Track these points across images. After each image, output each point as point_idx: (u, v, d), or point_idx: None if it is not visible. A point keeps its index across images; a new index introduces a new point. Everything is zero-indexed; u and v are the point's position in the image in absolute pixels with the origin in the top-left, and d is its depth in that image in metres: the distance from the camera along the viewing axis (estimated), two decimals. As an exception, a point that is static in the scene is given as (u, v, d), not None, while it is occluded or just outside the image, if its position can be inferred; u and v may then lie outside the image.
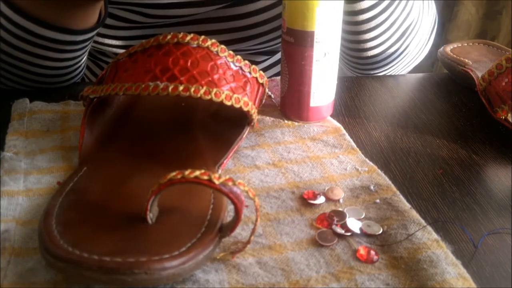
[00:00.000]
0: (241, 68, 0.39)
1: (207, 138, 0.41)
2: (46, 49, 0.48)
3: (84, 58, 0.55)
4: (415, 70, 0.67)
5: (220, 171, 0.39)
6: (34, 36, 0.46)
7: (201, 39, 0.38)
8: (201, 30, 0.60)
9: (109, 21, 0.57)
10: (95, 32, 0.50)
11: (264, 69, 0.71)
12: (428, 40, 0.63)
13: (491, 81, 0.48)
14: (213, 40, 0.38)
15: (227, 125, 0.43)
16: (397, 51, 0.59)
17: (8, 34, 0.46)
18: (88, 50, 0.54)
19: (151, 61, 0.37)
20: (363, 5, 0.53)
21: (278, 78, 0.57)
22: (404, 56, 0.60)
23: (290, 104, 0.47)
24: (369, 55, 0.58)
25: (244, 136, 0.41)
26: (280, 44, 0.67)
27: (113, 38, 0.60)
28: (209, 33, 0.60)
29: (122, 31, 0.59)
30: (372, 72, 0.62)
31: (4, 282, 0.28)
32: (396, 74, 0.63)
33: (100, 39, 0.61)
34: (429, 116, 0.51)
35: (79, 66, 0.54)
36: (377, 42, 0.57)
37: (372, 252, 0.31)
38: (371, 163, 0.41)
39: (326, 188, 0.38)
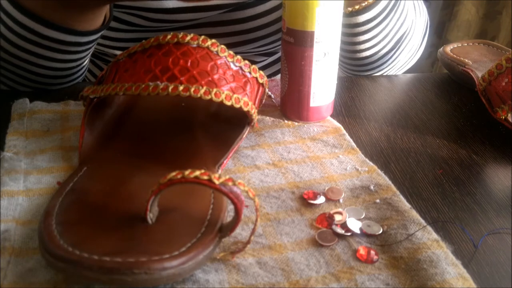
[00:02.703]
0: (241, 68, 0.39)
1: (207, 138, 0.41)
2: (51, 50, 0.48)
3: (87, 60, 0.55)
4: (415, 70, 0.67)
5: (220, 171, 0.39)
6: (40, 37, 0.46)
7: (201, 39, 0.38)
8: (202, 34, 0.60)
9: (111, 23, 0.57)
10: (100, 34, 0.50)
11: (262, 68, 0.71)
12: (420, 45, 0.65)
13: (491, 81, 0.48)
14: (213, 40, 0.38)
15: (227, 125, 0.43)
16: (390, 58, 0.60)
17: (14, 35, 0.46)
18: (91, 52, 0.54)
19: (151, 61, 0.37)
20: (360, 19, 0.54)
21: (278, 78, 0.57)
22: (397, 62, 0.62)
23: (290, 104, 0.47)
24: (364, 62, 0.60)
25: (244, 136, 0.41)
26: (279, 46, 0.67)
27: (114, 40, 0.60)
28: (210, 37, 0.60)
29: (124, 34, 0.59)
30: (365, 74, 0.62)
31: (4, 282, 0.28)
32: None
33: (102, 41, 0.61)
34: (429, 116, 0.51)
35: (82, 68, 0.54)
36: (371, 52, 0.58)
37: (372, 252, 0.31)
38: (371, 163, 0.41)
39: (326, 188, 0.38)
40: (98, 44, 0.61)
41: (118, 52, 0.62)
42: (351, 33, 0.56)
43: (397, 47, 0.59)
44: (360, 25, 0.55)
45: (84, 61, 0.53)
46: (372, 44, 0.57)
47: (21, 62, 0.49)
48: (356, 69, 0.62)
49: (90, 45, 0.51)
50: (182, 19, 0.58)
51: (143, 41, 0.39)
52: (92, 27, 0.48)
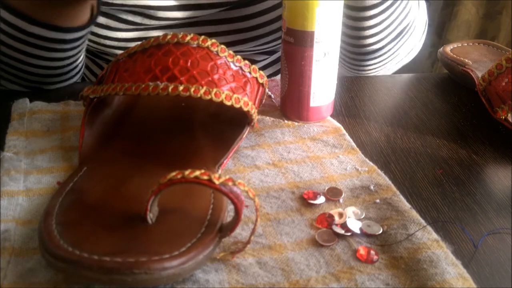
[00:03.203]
0: (241, 68, 0.39)
1: (207, 138, 0.41)
2: (37, 47, 0.48)
3: (80, 59, 0.55)
4: (415, 70, 0.68)
5: (220, 171, 0.39)
6: (24, 34, 0.47)
7: (201, 39, 0.38)
8: (203, 32, 0.60)
9: (112, 23, 0.57)
10: (85, 31, 0.50)
11: (263, 67, 0.71)
12: (419, 41, 0.65)
13: (491, 81, 0.48)
14: (213, 40, 0.38)
15: (227, 125, 0.43)
16: (392, 49, 0.61)
17: (1, 33, 0.46)
18: (83, 51, 0.54)
19: (151, 61, 0.37)
20: (367, 3, 0.54)
21: (278, 78, 0.57)
22: (397, 55, 0.63)
23: (290, 104, 0.47)
24: (365, 51, 0.60)
25: (244, 136, 0.41)
26: (280, 45, 0.67)
27: (115, 40, 0.60)
28: (211, 35, 0.60)
29: (124, 33, 0.59)
30: (363, 67, 0.63)
31: (4, 282, 0.28)
32: (386, 71, 0.65)
33: (102, 41, 0.61)
34: (429, 116, 0.51)
35: (75, 67, 0.54)
36: (375, 39, 0.58)
37: (372, 252, 0.31)
38: (371, 163, 0.41)
39: (326, 188, 0.38)
40: (98, 43, 0.61)
41: (119, 52, 0.62)
42: (358, 17, 0.56)
43: (399, 38, 0.60)
44: (367, 9, 0.55)
45: (77, 60, 0.53)
46: (377, 30, 0.57)
47: (11, 60, 0.49)
48: (357, 58, 0.62)
49: (77, 43, 0.51)
50: (182, 16, 0.58)
51: (143, 41, 0.39)
52: (76, 23, 0.48)
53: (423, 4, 0.64)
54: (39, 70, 0.51)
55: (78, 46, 0.51)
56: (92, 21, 0.50)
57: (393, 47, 0.60)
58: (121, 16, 0.57)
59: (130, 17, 0.57)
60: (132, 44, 0.60)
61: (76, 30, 0.48)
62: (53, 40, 0.48)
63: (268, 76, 0.72)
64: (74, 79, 0.56)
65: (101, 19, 0.56)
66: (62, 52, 0.50)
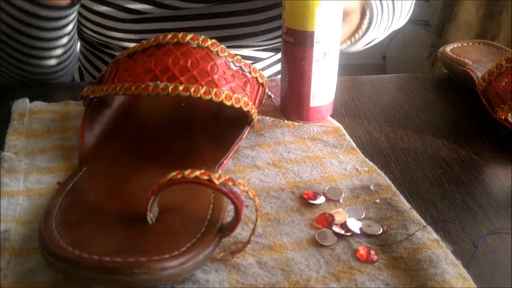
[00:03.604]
0: (241, 68, 0.39)
1: (207, 138, 0.41)
2: (15, 19, 0.50)
3: (65, 56, 0.55)
4: (415, 70, 0.68)
5: (220, 171, 0.39)
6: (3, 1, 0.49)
7: (201, 39, 0.38)
8: (213, 24, 0.61)
9: (118, 14, 0.58)
10: (60, 12, 0.51)
11: (269, 65, 0.72)
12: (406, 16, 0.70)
13: (491, 81, 0.48)
14: (213, 40, 0.38)
15: (227, 125, 0.43)
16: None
17: None
18: (69, 45, 0.55)
19: (151, 61, 0.37)
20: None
21: (278, 78, 0.57)
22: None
23: (290, 104, 0.47)
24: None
25: (244, 136, 0.41)
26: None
27: (121, 32, 0.61)
28: (218, 28, 0.61)
29: (135, 25, 0.60)
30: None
31: (4, 282, 0.28)
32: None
33: (111, 33, 0.61)
34: (429, 116, 0.51)
35: (59, 55, 0.55)
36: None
37: (372, 252, 0.31)
38: (371, 163, 0.41)
39: (326, 188, 0.38)
40: (102, 35, 0.61)
41: (124, 44, 0.63)
42: None
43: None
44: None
45: (61, 53, 0.54)
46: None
47: None
48: None
49: (54, 24, 0.52)
50: (191, 7, 0.58)
51: (143, 41, 0.39)
52: (50, 2, 0.50)
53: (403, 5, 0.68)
54: (19, 46, 0.52)
55: (56, 29, 0.52)
56: (71, 6, 0.51)
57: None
58: (128, 6, 0.58)
59: (138, 7, 0.58)
60: (140, 36, 0.61)
61: (50, 8, 0.50)
62: (26, 13, 0.50)
63: (275, 74, 0.72)
64: (61, 74, 0.57)
65: (113, 12, 0.58)
66: (38, 30, 0.51)
